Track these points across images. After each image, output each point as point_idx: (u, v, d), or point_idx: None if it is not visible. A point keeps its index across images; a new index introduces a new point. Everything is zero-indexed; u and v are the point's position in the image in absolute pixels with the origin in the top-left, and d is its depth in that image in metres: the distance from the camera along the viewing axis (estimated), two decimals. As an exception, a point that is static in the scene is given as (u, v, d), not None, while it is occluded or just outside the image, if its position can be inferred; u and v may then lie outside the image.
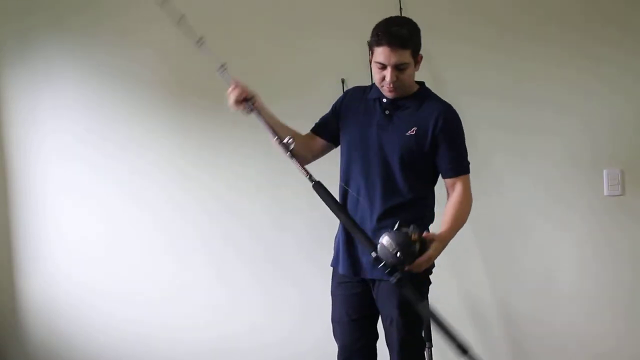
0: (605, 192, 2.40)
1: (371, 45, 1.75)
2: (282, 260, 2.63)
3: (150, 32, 2.70)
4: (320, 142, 1.91)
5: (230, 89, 1.73)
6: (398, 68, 1.67)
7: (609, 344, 2.43)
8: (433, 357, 2.19)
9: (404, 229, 1.51)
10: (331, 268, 1.93)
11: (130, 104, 2.73)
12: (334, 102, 1.93)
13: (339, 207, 1.68)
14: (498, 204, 2.45)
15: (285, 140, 1.65)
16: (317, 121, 1.95)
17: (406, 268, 1.53)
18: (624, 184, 2.40)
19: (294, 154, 1.66)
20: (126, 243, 2.76)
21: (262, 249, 2.64)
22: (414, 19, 2.41)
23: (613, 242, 2.41)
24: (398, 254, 1.46)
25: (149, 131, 2.73)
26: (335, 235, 1.93)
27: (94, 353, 2.79)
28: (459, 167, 1.76)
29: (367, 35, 2.43)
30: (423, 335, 1.96)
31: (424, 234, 1.57)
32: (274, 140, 1.70)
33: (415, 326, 1.80)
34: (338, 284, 1.86)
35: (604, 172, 2.40)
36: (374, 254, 1.52)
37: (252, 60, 2.61)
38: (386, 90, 1.74)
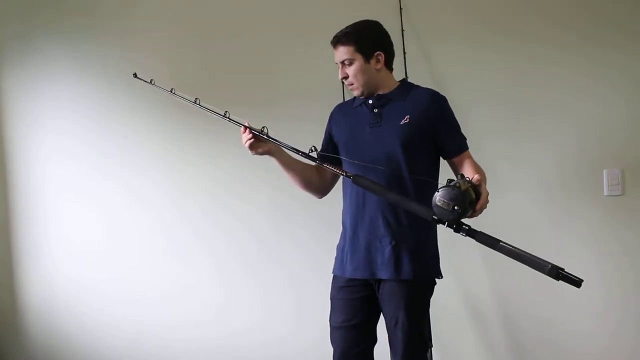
0: (605, 192, 2.40)
1: None
2: (281, 260, 2.63)
3: (150, 33, 2.72)
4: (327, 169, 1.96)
5: (243, 136, 1.82)
6: (344, 64, 1.77)
7: (609, 343, 2.43)
8: (433, 357, 2.19)
9: (452, 183, 1.49)
10: (330, 270, 1.93)
11: (129, 104, 2.74)
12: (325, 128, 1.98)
13: (383, 188, 1.68)
14: (498, 203, 2.44)
15: (309, 152, 1.69)
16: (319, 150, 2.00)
17: (469, 215, 1.51)
18: (624, 184, 2.40)
19: (320, 162, 1.70)
20: (126, 243, 2.77)
21: (261, 249, 2.64)
22: (414, 23, 2.41)
23: (613, 242, 2.41)
24: (456, 208, 1.45)
25: (148, 132, 2.74)
26: (337, 243, 1.93)
27: (93, 353, 2.79)
28: (462, 144, 1.83)
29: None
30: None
31: (472, 178, 1.55)
32: (299, 155, 1.73)
33: (420, 326, 1.80)
34: (340, 288, 1.85)
35: (604, 172, 2.40)
36: (435, 217, 1.50)
37: (256, 62, 2.62)
38: (351, 90, 1.82)
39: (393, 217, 1.75)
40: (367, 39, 1.77)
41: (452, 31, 2.47)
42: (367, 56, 1.76)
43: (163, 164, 2.72)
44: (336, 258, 1.91)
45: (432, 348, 2.19)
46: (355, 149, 1.81)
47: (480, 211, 1.55)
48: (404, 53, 2.37)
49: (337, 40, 1.77)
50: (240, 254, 2.67)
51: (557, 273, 1.40)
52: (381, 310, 1.83)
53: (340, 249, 1.88)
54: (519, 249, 1.47)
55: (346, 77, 1.79)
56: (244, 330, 2.67)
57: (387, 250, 1.75)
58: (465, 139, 1.85)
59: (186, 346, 2.72)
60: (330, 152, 1.93)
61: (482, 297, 2.49)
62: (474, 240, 1.51)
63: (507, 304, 2.49)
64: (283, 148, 1.78)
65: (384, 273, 1.75)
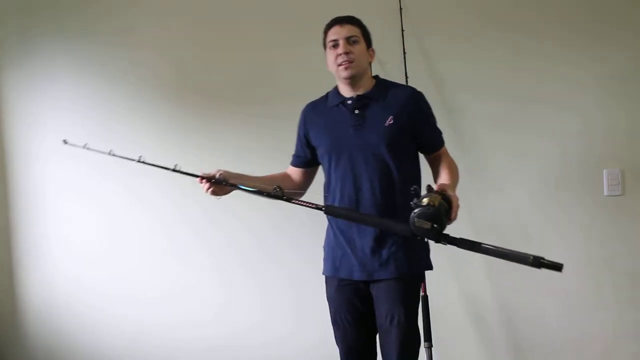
0: (605, 192, 2.40)
1: (324, 39, 1.83)
2: (280, 260, 2.63)
3: (150, 32, 2.72)
4: (303, 171, 1.97)
5: (202, 187, 1.81)
6: (349, 41, 1.77)
7: (609, 343, 2.43)
8: (433, 357, 2.20)
9: (424, 201, 1.51)
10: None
11: (130, 104, 2.74)
12: (297, 130, 1.96)
13: (360, 214, 1.72)
14: (498, 203, 2.46)
15: (273, 192, 1.68)
16: (292, 153, 1.99)
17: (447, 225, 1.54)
18: (624, 184, 2.40)
19: (289, 197, 1.69)
20: (126, 243, 2.76)
21: (261, 249, 2.64)
22: (414, 19, 2.39)
23: (613, 242, 2.41)
24: (435, 226, 1.48)
25: (149, 131, 2.74)
26: (323, 244, 1.93)
27: (93, 353, 2.79)
28: (440, 141, 1.87)
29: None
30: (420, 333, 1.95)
31: (436, 187, 1.58)
32: (264, 196, 1.73)
33: (415, 323, 1.81)
34: (337, 287, 1.85)
35: (604, 172, 2.40)
36: (415, 234, 1.53)
37: (256, 60, 2.63)
38: (342, 69, 1.77)
39: (389, 217, 1.74)
40: (368, 31, 1.84)
41: (452, 31, 2.47)
42: (367, 44, 1.83)
43: (163, 163, 2.71)
44: (326, 259, 1.90)
45: (432, 348, 2.20)
46: (341, 151, 1.80)
47: (455, 217, 1.57)
48: (404, 53, 2.38)
49: (345, 19, 1.80)
50: (240, 254, 2.67)
51: (539, 263, 1.44)
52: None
53: (331, 250, 1.87)
54: (499, 248, 1.49)
55: (348, 53, 1.76)
56: (244, 330, 2.67)
57: (385, 251, 1.76)
58: (441, 133, 1.88)
59: (186, 346, 2.72)
60: (307, 155, 1.93)
61: (483, 297, 2.49)
62: (456, 246, 1.53)
63: (507, 304, 2.49)
64: (246, 176, 1.81)
65: (383, 274, 1.76)
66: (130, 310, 2.76)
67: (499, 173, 2.46)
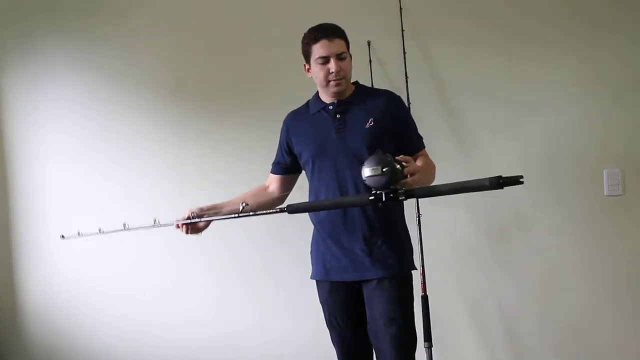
0: (605, 192, 2.40)
1: (307, 49, 1.79)
2: (279, 261, 2.62)
3: (150, 36, 2.72)
4: (282, 178, 1.98)
5: (181, 232, 1.89)
6: (340, 57, 1.75)
7: (609, 343, 2.43)
8: (433, 357, 2.20)
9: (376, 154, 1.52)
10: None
11: (129, 105, 2.74)
12: (279, 139, 1.97)
13: (318, 203, 1.77)
14: (498, 204, 2.45)
15: (241, 208, 1.70)
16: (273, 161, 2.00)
17: (402, 183, 1.52)
18: (624, 184, 2.40)
19: (255, 210, 1.72)
20: (126, 243, 2.76)
21: (260, 250, 2.64)
22: (414, 22, 2.38)
23: (613, 242, 2.41)
24: (385, 169, 1.46)
25: (148, 133, 2.74)
26: (310, 249, 1.94)
27: (93, 353, 2.79)
28: (420, 143, 1.87)
29: (369, 36, 2.45)
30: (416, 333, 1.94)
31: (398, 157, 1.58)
32: (235, 218, 1.75)
33: (411, 322, 1.81)
34: (330, 290, 1.86)
35: (604, 172, 2.40)
36: (372, 198, 1.52)
37: (258, 64, 2.63)
38: (333, 85, 1.76)
39: (375, 217, 1.75)
40: (349, 41, 1.81)
41: (452, 31, 2.46)
42: (350, 56, 1.81)
43: (163, 164, 2.72)
44: (315, 264, 1.91)
45: (432, 348, 2.20)
46: (325, 156, 1.81)
47: (413, 179, 1.55)
48: (404, 53, 2.37)
49: (332, 33, 1.75)
50: (240, 255, 2.67)
51: (498, 183, 1.41)
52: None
53: (320, 254, 1.87)
54: (455, 183, 1.47)
55: (339, 71, 1.75)
56: (244, 330, 2.67)
57: (375, 251, 1.76)
58: (421, 138, 1.87)
59: (186, 346, 2.72)
60: (286, 162, 1.94)
61: (482, 297, 2.49)
62: (415, 197, 1.52)
63: (507, 304, 2.49)
64: (219, 204, 1.86)
65: (375, 273, 1.76)
66: (130, 310, 2.76)
67: (498, 172, 2.44)
